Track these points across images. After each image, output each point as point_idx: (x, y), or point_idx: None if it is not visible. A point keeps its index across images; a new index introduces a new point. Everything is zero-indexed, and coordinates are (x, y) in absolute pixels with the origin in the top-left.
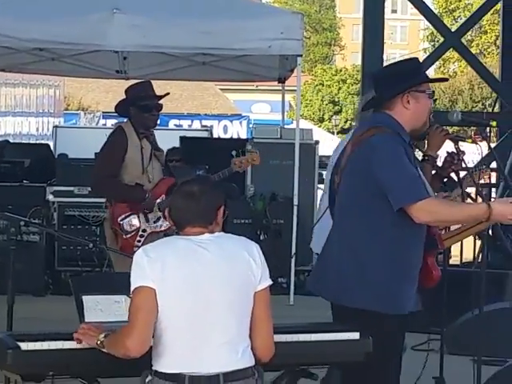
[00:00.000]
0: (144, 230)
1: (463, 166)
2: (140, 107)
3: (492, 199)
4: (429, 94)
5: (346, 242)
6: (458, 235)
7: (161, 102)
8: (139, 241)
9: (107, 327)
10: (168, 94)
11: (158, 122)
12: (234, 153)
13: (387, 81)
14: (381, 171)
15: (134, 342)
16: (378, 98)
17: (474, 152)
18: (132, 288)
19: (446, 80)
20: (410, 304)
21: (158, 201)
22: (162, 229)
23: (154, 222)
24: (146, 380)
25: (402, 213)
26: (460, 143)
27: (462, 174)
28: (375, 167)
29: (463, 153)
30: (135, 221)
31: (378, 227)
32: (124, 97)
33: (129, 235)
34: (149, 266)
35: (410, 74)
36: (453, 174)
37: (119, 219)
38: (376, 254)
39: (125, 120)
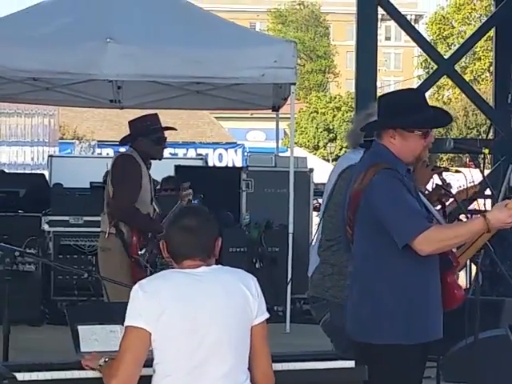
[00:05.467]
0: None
1: (450, 197)
2: (153, 139)
3: None
4: (419, 134)
5: (363, 284)
6: (470, 249)
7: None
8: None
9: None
10: (175, 129)
11: None
12: (244, 189)
13: (382, 110)
14: (381, 213)
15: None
16: (374, 125)
17: (457, 179)
18: (125, 325)
19: (443, 125)
20: (435, 330)
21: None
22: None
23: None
24: None
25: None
26: (446, 173)
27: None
28: (377, 210)
29: (449, 185)
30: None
31: (387, 261)
32: (120, 125)
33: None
34: (145, 302)
35: (402, 112)
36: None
37: (140, 251)
38: (388, 286)
39: (122, 149)
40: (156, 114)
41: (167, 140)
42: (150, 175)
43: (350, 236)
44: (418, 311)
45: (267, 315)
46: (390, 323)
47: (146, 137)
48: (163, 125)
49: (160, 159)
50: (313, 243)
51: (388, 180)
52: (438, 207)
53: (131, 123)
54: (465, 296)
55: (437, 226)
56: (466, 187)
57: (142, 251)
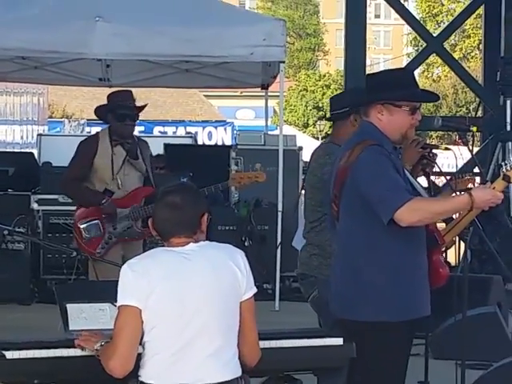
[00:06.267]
0: (110, 238)
1: (435, 169)
2: (116, 116)
3: None
4: (406, 110)
5: (347, 261)
6: (455, 227)
7: (146, 108)
8: (103, 247)
9: (107, 335)
10: (146, 105)
11: (143, 128)
12: (232, 168)
13: (371, 87)
14: (366, 188)
15: (116, 365)
16: (360, 101)
17: (446, 157)
18: (117, 305)
19: (432, 100)
20: (423, 307)
21: (129, 209)
22: (133, 238)
23: (124, 231)
24: None
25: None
26: (435, 151)
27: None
28: (362, 185)
29: (435, 155)
30: (96, 227)
31: (372, 238)
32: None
33: (86, 241)
34: (134, 282)
35: (390, 86)
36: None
37: (79, 223)
38: (374, 263)
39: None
40: (129, 91)
41: (156, 118)
42: (118, 153)
43: (336, 213)
44: (403, 288)
45: (255, 290)
46: (375, 300)
47: (111, 112)
48: (151, 102)
49: (127, 137)
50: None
51: (374, 156)
52: (423, 178)
53: (107, 98)
54: (450, 274)
55: (420, 198)
56: (462, 177)
57: (84, 225)
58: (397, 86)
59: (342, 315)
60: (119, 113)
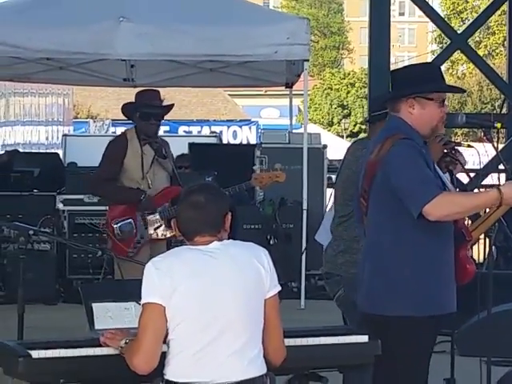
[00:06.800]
0: (142, 237)
1: (459, 166)
2: (141, 114)
3: None
4: (437, 103)
5: (375, 255)
6: (483, 224)
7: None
8: (135, 247)
9: (133, 332)
10: (173, 104)
11: (168, 128)
12: (256, 167)
13: (399, 82)
14: (397, 181)
15: (140, 362)
16: (389, 97)
17: (471, 154)
18: (141, 303)
19: (462, 91)
20: (449, 303)
21: (160, 209)
22: (164, 237)
23: (155, 230)
24: None
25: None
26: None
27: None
28: (392, 179)
29: (459, 153)
30: (130, 226)
31: (401, 233)
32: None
33: (121, 240)
34: (158, 280)
35: (421, 80)
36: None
37: (113, 222)
38: (402, 258)
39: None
40: (156, 91)
41: (180, 117)
42: (147, 152)
43: (364, 208)
44: (430, 283)
45: (279, 288)
46: (402, 295)
47: (137, 111)
48: (176, 102)
49: (152, 136)
50: (326, 211)
51: (406, 150)
52: (447, 175)
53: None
54: (476, 271)
55: (449, 192)
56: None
57: (118, 224)
58: (427, 79)
59: (369, 310)
60: (144, 111)
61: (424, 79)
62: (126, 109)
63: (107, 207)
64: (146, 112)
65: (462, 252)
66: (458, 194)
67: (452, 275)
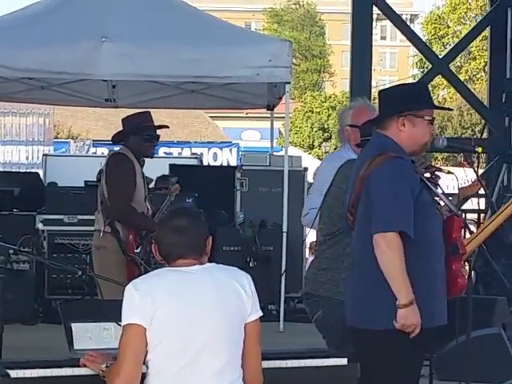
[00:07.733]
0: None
1: (439, 190)
2: (143, 137)
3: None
4: (428, 120)
5: (362, 269)
6: (477, 237)
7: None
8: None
9: (113, 355)
10: (167, 126)
11: None
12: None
13: (389, 100)
14: (374, 196)
15: (121, 383)
16: (377, 116)
17: (451, 179)
18: (122, 324)
19: (449, 109)
20: (439, 316)
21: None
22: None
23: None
24: None
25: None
26: (438, 173)
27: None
28: (373, 192)
29: (438, 177)
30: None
31: None
32: (115, 124)
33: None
34: (139, 301)
35: (411, 98)
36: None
37: (136, 250)
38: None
39: (117, 148)
40: (148, 112)
41: (161, 139)
42: (143, 173)
43: (351, 223)
44: (419, 296)
45: (261, 313)
46: (390, 308)
47: (138, 134)
48: (158, 123)
49: (151, 157)
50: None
51: (395, 170)
52: None
53: (124, 120)
54: (465, 286)
55: (401, 248)
56: (471, 183)
57: (138, 249)
58: (418, 96)
59: (355, 324)
60: (146, 134)
61: (415, 97)
62: (120, 135)
63: (86, 227)
64: (149, 134)
65: (455, 265)
66: (400, 259)
67: (442, 288)
